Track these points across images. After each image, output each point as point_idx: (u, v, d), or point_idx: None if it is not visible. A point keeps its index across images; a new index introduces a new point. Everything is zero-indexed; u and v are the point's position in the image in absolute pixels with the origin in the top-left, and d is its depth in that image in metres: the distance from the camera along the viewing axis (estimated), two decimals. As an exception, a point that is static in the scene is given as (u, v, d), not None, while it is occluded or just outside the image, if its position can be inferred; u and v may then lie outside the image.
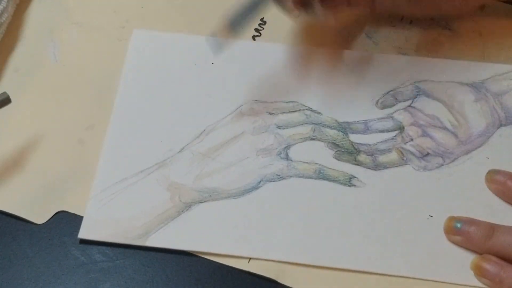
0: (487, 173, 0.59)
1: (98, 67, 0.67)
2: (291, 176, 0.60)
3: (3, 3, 0.66)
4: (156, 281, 0.56)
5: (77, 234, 0.57)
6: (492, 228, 0.56)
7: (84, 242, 0.57)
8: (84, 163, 0.61)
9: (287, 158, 0.61)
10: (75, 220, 0.58)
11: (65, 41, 0.69)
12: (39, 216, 0.59)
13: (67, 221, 0.58)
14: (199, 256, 0.57)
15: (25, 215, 0.58)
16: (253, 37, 0.68)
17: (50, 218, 0.58)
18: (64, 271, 0.56)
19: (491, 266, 0.54)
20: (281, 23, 0.65)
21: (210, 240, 0.57)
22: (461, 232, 0.56)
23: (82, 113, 0.64)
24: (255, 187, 0.59)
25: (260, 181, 0.60)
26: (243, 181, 0.60)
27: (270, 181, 0.60)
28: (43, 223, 0.58)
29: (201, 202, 0.59)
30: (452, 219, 0.57)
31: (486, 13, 0.70)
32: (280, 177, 0.60)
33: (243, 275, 0.56)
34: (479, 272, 0.55)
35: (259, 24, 0.68)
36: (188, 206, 0.58)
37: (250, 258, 0.56)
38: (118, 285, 0.55)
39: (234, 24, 0.59)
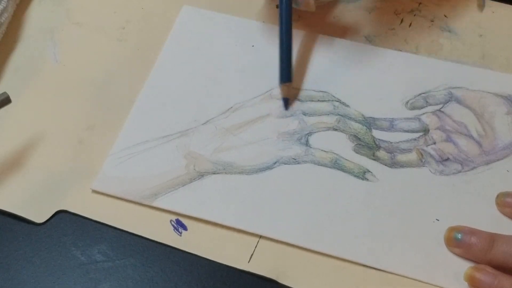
0: (497, 196, 0.58)
1: (98, 67, 0.67)
2: (306, 162, 0.61)
3: (3, 3, 0.67)
4: (156, 281, 0.56)
5: (76, 235, 0.58)
6: (493, 239, 0.55)
7: (95, 192, 0.59)
8: (84, 163, 0.62)
9: (306, 144, 0.61)
10: (75, 220, 0.59)
11: (66, 41, 0.69)
12: (39, 215, 0.59)
13: (67, 221, 0.59)
14: (199, 256, 0.57)
15: (25, 215, 0.59)
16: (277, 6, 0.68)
17: (50, 218, 0.59)
18: (64, 271, 0.56)
19: (484, 276, 0.53)
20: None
21: (216, 210, 0.58)
22: (461, 244, 0.55)
23: (82, 113, 0.65)
24: (269, 167, 0.60)
25: (276, 162, 0.60)
26: (259, 159, 0.61)
27: (285, 164, 0.60)
28: (43, 223, 0.59)
29: (214, 174, 0.60)
30: (452, 229, 0.56)
31: (486, 13, 0.69)
32: (295, 161, 0.61)
33: (243, 275, 0.56)
34: (473, 282, 0.54)
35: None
36: (201, 175, 0.60)
37: (258, 236, 0.57)
38: (118, 285, 0.56)
39: (287, 78, 0.63)
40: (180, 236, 0.58)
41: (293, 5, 0.63)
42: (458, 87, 0.64)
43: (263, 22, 0.68)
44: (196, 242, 0.57)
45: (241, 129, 0.62)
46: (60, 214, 0.59)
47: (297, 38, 0.66)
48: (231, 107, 0.64)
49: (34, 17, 0.71)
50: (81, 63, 0.68)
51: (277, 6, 0.67)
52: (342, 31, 0.68)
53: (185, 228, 0.58)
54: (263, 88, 0.65)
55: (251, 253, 0.57)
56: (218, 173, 0.60)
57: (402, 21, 0.69)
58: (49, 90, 0.66)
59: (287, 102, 0.63)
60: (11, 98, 0.59)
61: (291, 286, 0.56)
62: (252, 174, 0.60)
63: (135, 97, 0.65)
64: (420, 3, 0.70)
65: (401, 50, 0.67)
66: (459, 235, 0.56)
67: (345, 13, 0.69)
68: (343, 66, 0.66)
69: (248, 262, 0.57)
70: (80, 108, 0.65)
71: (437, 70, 0.65)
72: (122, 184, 0.59)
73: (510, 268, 0.54)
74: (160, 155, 0.61)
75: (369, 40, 0.68)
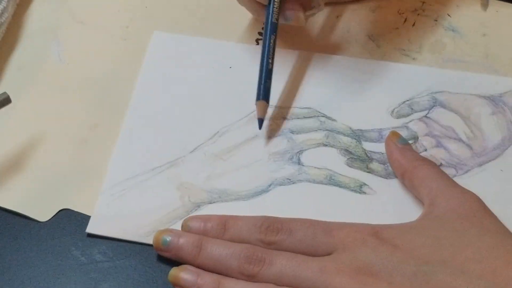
0: None
1: (102, 66, 0.67)
2: (301, 181, 0.60)
3: (3, 3, 0.67)
4: (156, 281, 0.55)
5: (77, 234, 0.57)
6: (201, 241, 0.55)
7: (91, 236, 0.57)
8: (88, 162, 0.61)
9: (299, 162, 0.61)
10: (75, 220, 0.58)
11: (69, 40, 0.69)
12: (43, 214, 0.58)
13: (67, 222, 0.58)
14: None
15: (28, 213, 0.58)
16: (257, 41, 0.68)
17: (52, 217, 0.58)
18: (64, 271, 0.56)
19: (188, 274, 0.53)
20: (284, 26, 0.64)
21: (217, 240, 0.57)
22: (169, 248, 0.55)
23: (86, 112, 0.64)
24: (265, 190, 0.59)
25: (270, 184, 0.60)
26: (253, 183, 0.60)
27: (280, 185, 0.60)
28: (43, 223, 0.58)
29: (210, 203, 0.59)
30: (161, 233, 0.56)
31: (489, 13, 0.70)
32: (290, 181, 0.60)
33: None
34: (177, 282, 0.54)
35: (262, 28, 0.68)
36: (197, 206, 0.59)
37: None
38: (118, 285, 0.55)
39: (263, 96, 0.62)
40: None
41: (282, 21, 0.63)
42: (441, 91, 0.64)
43: (238, 42, 0.68)
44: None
45: (231, 154, 0.61)
46: (61, 214, 0.58)
47: (277, 58, 0.65)
48: (218, 132, 0.62)
49: (37, 16, 0.71)
50: (85, 61, 0.68)
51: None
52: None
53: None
54: (247, 109, 0.63)
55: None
56: (214, 202, 0.59)
57: (405, 20, 0.69)
58: (52, 89, 0.66)
59: (261, 122, 0.62)
60: (15, 96, 0.59)
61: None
62: (249, 199, 0.59)
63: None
64: (423, 2, 0.70)
65: (404, 50, 0.67)
66: (168, 238, 0.55)
67: (348, 12, 0.69)
68: (323, 80, 0.65)
69: None
70: (84, 107, 0.65)
71: (418, 76, 0.65)
72: (117, 223, 0.58)
73: (219, 271, 0.54)
74: (153, 188, 0.59)
75: (373, 39, 0.68)
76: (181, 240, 0.55)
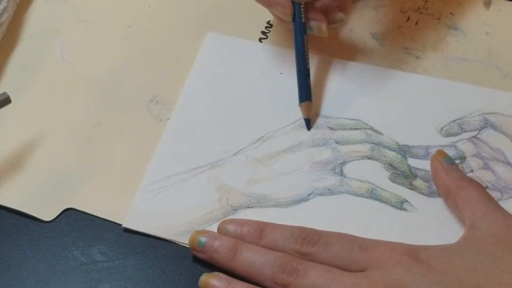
0: None
1: (105, 65, 0.67)
2: (342, 193, 0.59)
3: (3, 3, 0.67)
4: (156, 281, 0.55)
5: (78, 234, 0.58)
6: (236, 246, 0.54)
7: (128, 231, 0.58)
8: (92, 161, 0.62)
9: (341, 174, 0.60)
10: (77, 220, 0.58)
11: (72, 39, 0.69)
12: (47, 213, 0.59)
13: (69, 222, 0.58)
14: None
15: (33, 213, 0.59)
16: (260, 39, 0.68)
17: (56, 217, 0.58)
18: (64, 271, 0.56)
19: (219, 282, 0.53)
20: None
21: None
22: (205, 249, 0.55)
23: (90, 110, 0.65)
24: (304, 199, 0.59)
25: (310, 194, 0.59)
26: (293, 191, 0.59)
27: (320, 195, 0.59)
28: (43, 223, 0.58)
29: (248, 208, 0.58)
30: (197, 233, 0.56)
31: (492, 11, 0.69)
32: (331, 192, 0.59)
33: None
34: None
35: (266, 27, 0.68)
36: (235, 209, 0.58)
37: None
38: (118, 285, 0.55)
39: (306, 98, 0.62)
40: None
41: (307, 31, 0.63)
42: (493, 113, 0.63)
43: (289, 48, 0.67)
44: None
45: (273, 160, 0.61)
46: (62, 214, 0.59)
47: (324, 65, 0.65)
48: (262, 137, 0.62)
49: (39, 15, 0.71)
50: (88, 61, 0.68)
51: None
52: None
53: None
54: (294, 116, 0.63)
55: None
56: (252, 207, 0.58)
57: (408, 19, 0.69)
58: (56, 88, 0.66)
59: (308, 123, 0.62)
60: (18, 96, 0.60)
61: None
62: (287, 207, 0.58)
63: (142, 95, 0.65)
64: (426, 1, 0.70)
65: (407, 48, 0.66)
66: (204, 239, 0.55)
67: (351, 11, 0.69)
68: (374, 93, 0.64)
69: None
70: (88, 106, 0.65)
71: (470, 95, 0.64)
72: (154, 220, 0.58)
73: (252, 278, 0.53)
74: (192, 188, 0.59)
75: (376, 38, 0.67)
76: (217, 243, 0.55)
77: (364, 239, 0.54)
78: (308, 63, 0.63)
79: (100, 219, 0.58)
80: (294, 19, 0.62)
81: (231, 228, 0.56)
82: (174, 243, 0.57)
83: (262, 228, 0.56)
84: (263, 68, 0.66)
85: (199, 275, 0.54)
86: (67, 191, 0.60)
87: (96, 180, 0.60)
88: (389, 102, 0.64)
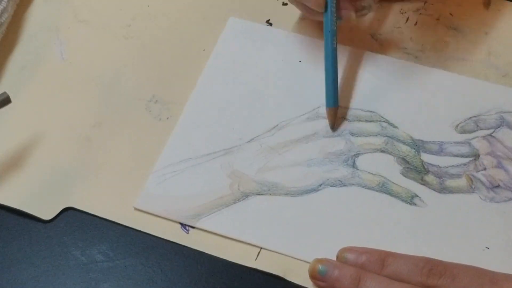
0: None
1: (104, 64, 0.67)
2: (353, 185, 0.59)
3: (3, 3, 0.67)
4: (156, 281, 0.56)
5: (77, 234, 0.58)
6: (359, 275, 0.53)
7: (138, 210, 0.58)
8: (92, 160, 0.62)
9: (353, 166, 0.60)
10: (77, 220, 0.59)
11: (72, 39, 0.69)
12: (46, 212, 0.59)
13: (68, 221, 0.59)
14: (204, 254, 0.57)
15: (32, 212, 0.59)
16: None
17: (55, 216, 0.59)
18: (64, 271, 0.56)
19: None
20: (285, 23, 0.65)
21: (260, 233, 0.57)
22: (326, 278, 0.54)
23: (89, 110, 0.65)
24: (315, 189, 0.59)
25: (321, 184, 0.59)
26: (304, 181, 0.60)
27: (331, 186, 0.59)
28: (44, 223, 0.58)
29: (259, 194, 0.59)
30: (317, 262, 0.55)
31: (491, 11, 0.68)
32: (342, 184, 0.59)
33: (250, 272, 0.56)
34: None
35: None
36: (245, 196, 0.59)
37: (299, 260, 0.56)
38: (118, 285, 0.56)
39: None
40: (187, 233, 0.58)
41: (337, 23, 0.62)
42: (510, 112, 0.62)
43: (310, 37, 0.67)
44: (203, 240, 0.57)
45: (287, 148, 0.61)
46: (62, 214, 0.59)
47: (343, 54, 0.65)
48: (277, 125, 0.62)
49: (39, 15, 0.71)
50: (87, 60, 0.68)
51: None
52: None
53: (192, 225, 0.58)
54: (310, 106, 0.63)
55: (259, 250, 0.57)
56: (262, 194, 0.59)
57: (407, 19, 0.69)
58: (55, 87, 0.67)
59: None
60: (18, 95, 0.60)
61: (299, 283, 0.55)
62: (298, 196, 0.59)
63: (142, 94, 0.65)
64: (425, 2, 0.69)
65: (406, 48, 0.66)
66: (324, 268, 0.54)
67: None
68: (391, 85, 0.64)
69: (256, 259, 0.56)
70: (87, 105, 0.65)
71: (488, 93, 0.63)
72: (165, 203, 0.59)
73: None
74: (204, 173, 0.60)
75: (375, 38, 0.67)
76: (338, 272, 0.54)
77: (494, 273, 0.52)
78: (337, 68, 0.62)
79: (100, 219, 0.59)
80: (325, 9, 0.62)
81: (351, 256, 0.55)
82: (174, 243, 0.57)
83: (384, 257, 0.54)
84: (282, 55, 0.66)
85: (199, 275, 0.55)
86: (66, 190, 0.60)
87: (95, 179, 0.61)
88: (406, 95, 0.64)
